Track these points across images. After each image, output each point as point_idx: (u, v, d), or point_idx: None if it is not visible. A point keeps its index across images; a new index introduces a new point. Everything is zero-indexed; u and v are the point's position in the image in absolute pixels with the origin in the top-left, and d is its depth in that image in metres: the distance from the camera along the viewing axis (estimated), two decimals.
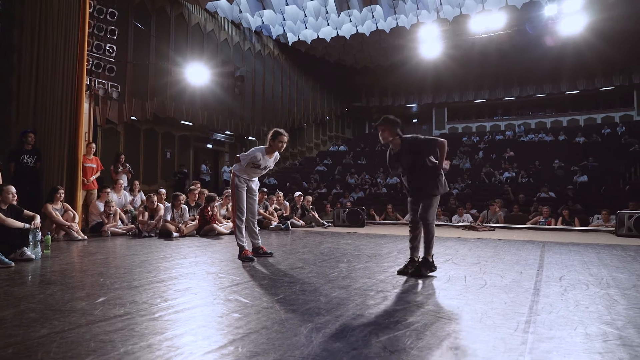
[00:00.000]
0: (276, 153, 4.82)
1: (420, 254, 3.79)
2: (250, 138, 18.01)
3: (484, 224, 9.46)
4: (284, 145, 4.73)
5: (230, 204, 8.82)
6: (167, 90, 14.04)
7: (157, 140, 14.62)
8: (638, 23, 17.33)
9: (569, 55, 18.57)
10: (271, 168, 4.98)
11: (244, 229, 4.75)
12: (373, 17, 17.39)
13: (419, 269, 3.64)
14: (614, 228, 8.21)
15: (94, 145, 8.60)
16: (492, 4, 16.15)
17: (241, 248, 4.63)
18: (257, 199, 4.93)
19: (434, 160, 3.71)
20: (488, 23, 16.29)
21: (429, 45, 16.55)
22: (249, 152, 4.76)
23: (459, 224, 10.14)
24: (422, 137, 3.81)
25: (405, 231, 9.30)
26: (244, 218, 4.77)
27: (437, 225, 10.71)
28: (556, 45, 17.61)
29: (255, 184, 4.90)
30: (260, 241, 4.91)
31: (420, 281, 3.42)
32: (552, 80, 22.17)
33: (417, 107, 26.14)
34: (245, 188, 4.78)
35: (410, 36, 17.67)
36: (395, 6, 16.60)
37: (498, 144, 20.24)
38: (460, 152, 19.60)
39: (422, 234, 3.78)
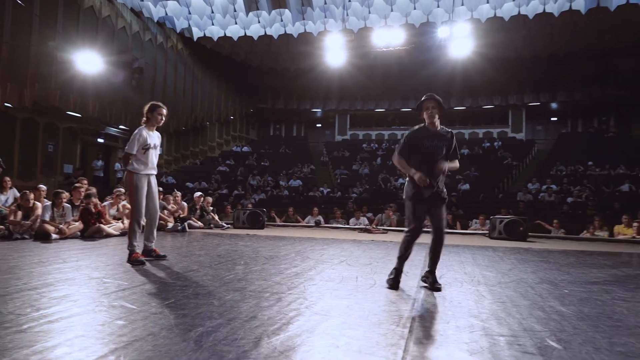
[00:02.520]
0: (157, 133, 4.64)
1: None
2: None
3: (379, 227, 10.01)
4: (164, 119, 4.58)
5: (121, 203, 8.27)
6: (52, 77, 12.69)
7: (37, 132, 13.14)
8: (514, 51, 19.80)
9: (458, 74, 20.50)
10: (159, 148, 4.73)
11: (139, 234, 4.45)
12: (282, 20, 17.53)
13: (437, 282, 3.48)
14: (488, 231, 9.22)
15: None
16: (393, 20, 17.22)
17: (131, 251, 4.34)
18: (157, 199, 4.66)
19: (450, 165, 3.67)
20: (389, 38, 17.39)
21: (335, 53, 17.20)
22: (131, 137, 4.46)
23: (356, 226, 10.61)
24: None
25: (304, 233, 9.40)
26: (142, 222, 4.49)
27: (334, 227, 11.08)
28: (447, 65, 19.33)
29: (154, 181, 4.63)
30: (153, 243, 4.65)
31: (314, 282, 3.52)
32: (443, 96, 23.79)
33: (321, 113, 26.84)
34: (146, 188, 4.49)
35: (317, 43, 18.15)
36: (304, 12, 16.91)
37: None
38: (359, 158, 20.53)
39: (434, 246, 3.68)
